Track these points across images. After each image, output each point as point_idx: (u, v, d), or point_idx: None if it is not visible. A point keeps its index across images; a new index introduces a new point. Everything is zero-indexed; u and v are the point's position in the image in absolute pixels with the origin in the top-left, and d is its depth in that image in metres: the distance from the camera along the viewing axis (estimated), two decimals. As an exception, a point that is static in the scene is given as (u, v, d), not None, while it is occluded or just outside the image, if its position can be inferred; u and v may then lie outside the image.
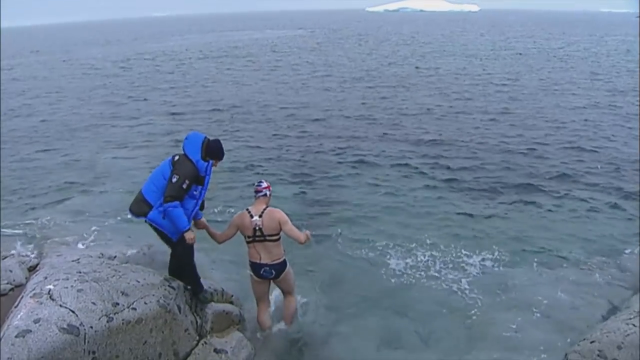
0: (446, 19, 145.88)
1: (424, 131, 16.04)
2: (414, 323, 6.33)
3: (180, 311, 4.86)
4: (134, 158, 13.54)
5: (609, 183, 11.07)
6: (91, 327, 3.96)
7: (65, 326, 3.83)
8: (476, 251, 8.03)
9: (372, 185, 11.32)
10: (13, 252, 7.00)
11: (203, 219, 5.43)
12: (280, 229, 5.44)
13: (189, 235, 4.85)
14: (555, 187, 10.95)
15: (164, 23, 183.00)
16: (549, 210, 9.76)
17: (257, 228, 5.40)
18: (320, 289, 6.93)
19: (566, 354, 5.16)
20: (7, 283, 5.39)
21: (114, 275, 4.76)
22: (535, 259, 7.82)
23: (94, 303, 4.18)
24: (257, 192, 5.57)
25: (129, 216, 5.07)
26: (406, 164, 12.66)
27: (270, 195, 5.60)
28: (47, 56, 51.07)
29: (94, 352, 3.93)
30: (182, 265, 5.15)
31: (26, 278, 5.58)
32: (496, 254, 7.97)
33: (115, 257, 6.37)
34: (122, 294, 4.47)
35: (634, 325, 5.09)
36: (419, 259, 7.81)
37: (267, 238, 5.44)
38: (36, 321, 3.80)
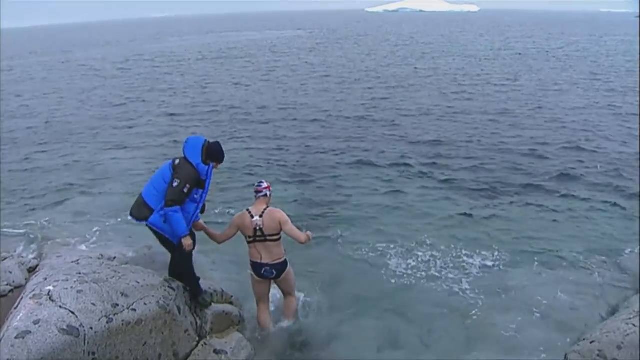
0: (446, 19, 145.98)
1: (423, 131, 16.05)
2: (414, 323, 6.32)
3: (180, 312, 4.86)
4: (133, 159, 13.53)
5: (609, 183, 11.07)
6: (91, 328, 3.96)
7: (65, 327, 3.83)
8: (476, 251, 8.03)
9: (372, 186, 11.31)
10: (13, 253, 7.01)
11: (201, 221, 5.42)
12: (281, 229, 5.45)
13: (186, 242, 4.85)
14: (555, 187, 10.95)
15: (163, 24, 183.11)
16: (549, 210, 9.75)
17: (257, 228, 5.42)
18: (320, 290, 6.91)
19: (566, 354, 5.16)
20: (7, 284, 5.40)
21: (113, 277, 4.76)
22: (536, 259, 7.82)
23: (93, 304, 4.17)
24: (257, 192, 5.58)
25: (130, 219, 5.07)
26: (406, 164, 12.66)
27: (270, 195, 5.62)
28: (46, 57, 51.08)
29: (93, 353, 3.93)
30: (181, 271, 5.16)
31: (26, 279, 5.59)
32: (496, 254, 7.97)
33: (115, 258, 6.37)
34: (122, 295, 4.47)
35: (633, 325, 5.09)
36: (419, 259, 7.80)
37: (268, 238, 5.46)
38: (36, 322, 3.80)
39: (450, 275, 7.36)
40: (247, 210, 5.54)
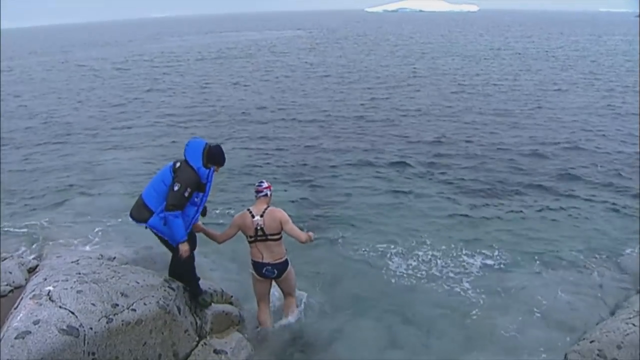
0: (445, 19, 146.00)
1: (423, 131, 16.05)
2: (414, 323, 6.33)
3: (180, 312, 4.85)
4: (132, 159, 13.52)
5: (609, 183, 11.08)
6: (91, 329, 3.95)
7: (64, 327, 3.83)
8: (476, 251, 8.03)
9: (372, 186, 11.31)
10: (13, 253, 7.01)
11: (199, 222, 5.41)
12: (282, 229, 5.47)
13: (184, 247, 4.85)
14: (555, 187, 10.95)
15: (163, 24, 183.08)
16: (549, 210, 9.75)
17: (258, 228, 5.44)
18: (320, 290, 6.92)
19: (566, 354, 5.16)
20: (7, 284, 5.39)
21: (113, 277, 4.76)
22: (536, 259, 7.83)
23: (93, 304, 4.17)
24: (257, 192, 5.60)
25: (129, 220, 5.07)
26: (406, 164, 12.66)
27: (271, 195, 5.64)
28: (46, 57, 51.05)
29: (93, 354, 3.92)
30: (181, 271, 5.16)
31: (26, 279, 5.59)
32: (496, 253, 7.97)
33: (114, 258, 6.37)
34: (122, 295, 4.47)
35: (633, 324, 5.09)
36: (419, 259, 7.81)
37: (269, 237, 5.48)
38: (36, 322, 3.80)
39: (451, 275, 7.37)
40: (248, 210, 5.55)
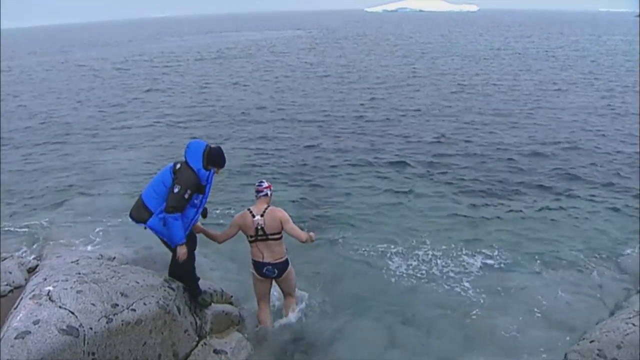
0: (445, 19, 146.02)
1: (423, 131, 16.04)
2: (414, 323, 6.33)
3: (179, 312, 4.85)
4: (132, 159, 13.52)
5: (609, 182, 11.07)
6: (90, 329, 3.95)
7: (64, 327, 3.83)
8: (476, 251, 8.03)
9: (372, 186, 11.31)
10: (13, 253, 7.00)
11: (199, 223, 5.41)
12: (282, 228, 5.47)
13: (182, 250, 4.86)
14: (555, 187, 10.95)
15: (163, 24, 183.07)
16: (549, 210, 9.75)
17: (259, 227, 5.45)
18: (320, 290, 6.92)
19: (566, 354, 5.16)
20: (7, 284, 5.39)
21: (113, 277, 4.76)
22: (536, 259, 7.82)
23: (93, 304, 4.17)
24: (258, 192, 5.60)
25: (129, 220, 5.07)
26: (406, 164, 12.66)
27: (271, 194, 5.65)
28: (46, 57, 51.03)
29: (93, 354, 3.92)
30: (181, 272, 5.16)
31: (25, 279, 5.59)
32: (496, 253, 7.97)
33: (114, 258, 6.37)
34: (122, 295, 4.47)
35: (633, 324, 5.09)
36: (419, 259, 7.80)
37: (270, 237, 5.49)
38: (35, 322, 3.80)
39: (451, 275, 7.36)
40: (249, 209, 5.56)
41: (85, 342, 3.88)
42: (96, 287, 4.44)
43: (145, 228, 4.89)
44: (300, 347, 5.81)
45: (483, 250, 8.04)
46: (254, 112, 19.80)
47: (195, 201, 4.90)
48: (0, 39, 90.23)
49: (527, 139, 14.77)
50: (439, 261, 7.73)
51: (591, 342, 5.05)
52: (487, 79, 26.77)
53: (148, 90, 26.27)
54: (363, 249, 8.19)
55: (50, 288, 4.29)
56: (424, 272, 7.46)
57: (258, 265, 5.63)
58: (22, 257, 6.80)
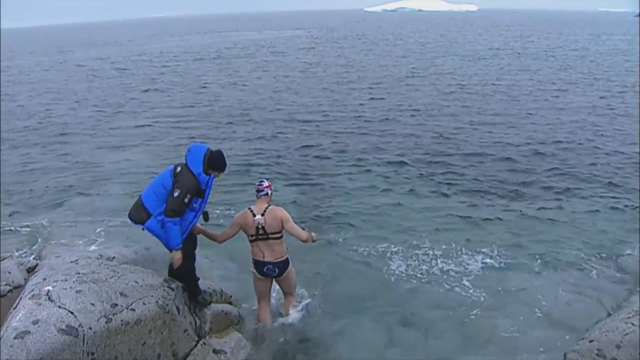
0: (444, 19, 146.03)
1: (423, 131, 16.04)
2: (414, 323, 6.32)
3: (179, 312, 4.85)
4: (131, 160, 13.51)
5: (609, 182, 11.08)
6: (90, 328, 3.95)
7: (64, 327, 3.82)
8: (476, 251, 8.02)
9: (372, 185, 11.30)
10: (12, 253, 7.00)
11: (198, 224, 5.40)
12: (283, 227, 5.47)
13: (177, 255, 4.85)
14: (554, 187, 10.95)
15: (163, 24, 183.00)
16: (549, 210, 9.75)
17: (260, 227, 5.45)
18: (320, 289, 6.91)
19: (565, 354, 5.15)
20: (6, 284, 5.39)
21: (112, 276, 4.76)
22: (536, 259, 7.82)
23: (92, 304, 4.17)
24: (258, 191, 5.61)
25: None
26: (405, 164, 12.67)
27: (271, 194, 5.66)
28: (45, 57, 50.99)
29: (92, 353, 3.92)
30: (181, 271, 5.15)
31: (25, 279, 5.59)
32: (496, 253, 7.97)
33: (114, 258, 6.37)
34: (121, 295, 4.46)
35: (632, 324, 5.08)
36: (419, 259, 7.79)
37: (270, 236, 5.49)
38: (35, 322, 3.80)
39: (451, 275, 7.35)
40: (249, 209, 5.56)
41: (85, 342, 3.87)
42: (95, 287, 4.43)
43: (142, 229, 4.89)
44: (300, 347, 5.80)
45: (483, 250, 8.04)
46: (253, 111, 19.79)
47: (195, 205, 4.89)
48: (0, 39, 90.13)
49: (526, 139, 14.77)
50: (438, 261, 7.73)
51: (590, 341, 5.05)
52: (486, 78, 26.77)
53: (147, 90, 26.26)
54: (363, 249, 8.18)
55: (50, 288, 4.29)
56: (423, 272, 7.46)
57: (258, 264, 5.63)
58: (21, 257, 6.80)
